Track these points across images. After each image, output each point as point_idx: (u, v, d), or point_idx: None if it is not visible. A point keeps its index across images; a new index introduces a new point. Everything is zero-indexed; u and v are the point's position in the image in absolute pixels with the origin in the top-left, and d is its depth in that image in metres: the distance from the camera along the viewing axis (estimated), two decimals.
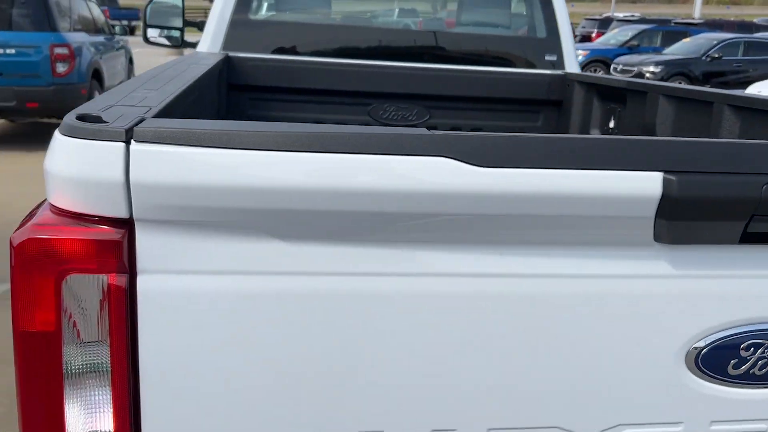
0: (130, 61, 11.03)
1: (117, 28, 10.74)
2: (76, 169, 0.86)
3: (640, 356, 0.99)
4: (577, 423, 1.01)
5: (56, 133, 0.91)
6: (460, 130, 3.82)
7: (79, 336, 0.92)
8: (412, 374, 0.96)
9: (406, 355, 0.95)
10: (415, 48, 3.74)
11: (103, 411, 0.95)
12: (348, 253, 0.93)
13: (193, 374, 0.95)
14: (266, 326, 0.93)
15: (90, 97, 8.28)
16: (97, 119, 0.92)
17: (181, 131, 0.85)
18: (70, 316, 0.91)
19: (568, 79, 3.77)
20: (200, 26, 4.86)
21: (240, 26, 3.56)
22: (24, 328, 0.91)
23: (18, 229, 0.91)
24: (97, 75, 8.70)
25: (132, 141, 0.85)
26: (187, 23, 4.70)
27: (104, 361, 0.93)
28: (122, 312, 0.91)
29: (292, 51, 3.64)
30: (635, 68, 16.00)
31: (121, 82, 10.26)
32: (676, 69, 15.52)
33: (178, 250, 0.91)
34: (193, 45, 4.77)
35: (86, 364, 0.93)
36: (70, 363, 0.92)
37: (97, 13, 9.97)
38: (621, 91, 3.32)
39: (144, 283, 0.91)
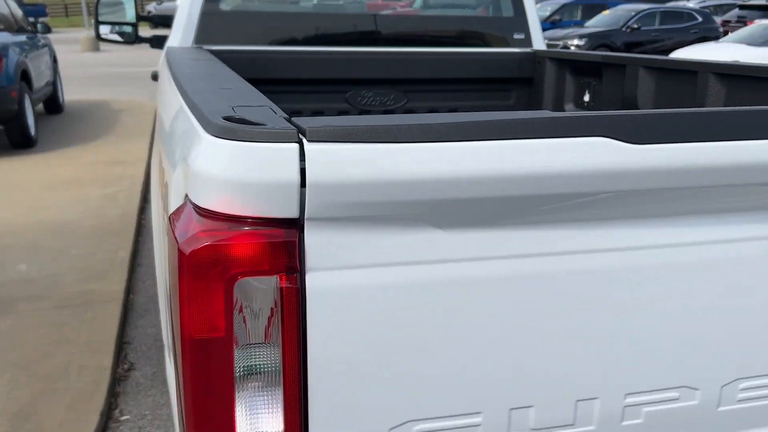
0: (54, 59, 10.56)
1: (39, 26, 10.25)
2: (244, 172, 0.86)
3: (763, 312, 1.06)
4: (702, 380, 1.08)
5: (207, 137, 0.90)
6: (438, 112, 3.87)
7: (250, 339, 0.92)
8: (573, 346, 1.01)
9: (572, 329, 0.99)
10: (388, 33, 3.75)
11: (274, 411, 0.95)
12: (504, 236, 0.96)
13: (357, 366, 0.96)
14: (427, 312, 0.96)
15: (20, 100, 7.90)
16: (243, 121, 0.91)
17: (351, 128, 0.85)
18: (242, 320, 0.91)
19: (537, 56, 3.86)
20: (154, 20, 4.71)
21: (211, 19, 3.49)
22: (194, 335, 0.90)
23: (172, 236, 0.90)
24: (25, 76, 8.30)
25: (305, 141, 0.85)
26: (140, 18, 4.56)
27: (275, 362, 0.93)
28: (294, 311, 0.91)
29: (265, 41, 3.60)
30: (560, 42, 16.42)
31: (47, 83, 9.80)
32: (599, 41, 16.02)
33: (344, 245, 0.92)
34: (147, 40, 4.63)
35: (257, 366, 0.93)
36: (241, 366, 0.92)
37: (15, 8, 9.50)
38: (596, 66, 3.42)
39: (312, 281, 0.91)
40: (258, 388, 0.94)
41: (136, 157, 7.79)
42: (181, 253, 0.88)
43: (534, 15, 3.95)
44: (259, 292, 0.90)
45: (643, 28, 16.35)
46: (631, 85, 3.11)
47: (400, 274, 0.94)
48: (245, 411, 0.94)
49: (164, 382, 3.38)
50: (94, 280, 4.41)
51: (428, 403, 1.01)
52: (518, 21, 3.91)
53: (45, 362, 3.43)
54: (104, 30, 4.52)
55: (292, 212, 0.88)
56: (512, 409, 1.03)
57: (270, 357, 0.93)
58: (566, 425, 1.06)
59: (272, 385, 0.94)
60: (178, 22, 3.51)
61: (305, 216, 0.89)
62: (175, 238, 0.90)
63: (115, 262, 4.74)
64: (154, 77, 3.84)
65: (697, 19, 16.79)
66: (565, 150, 0.89)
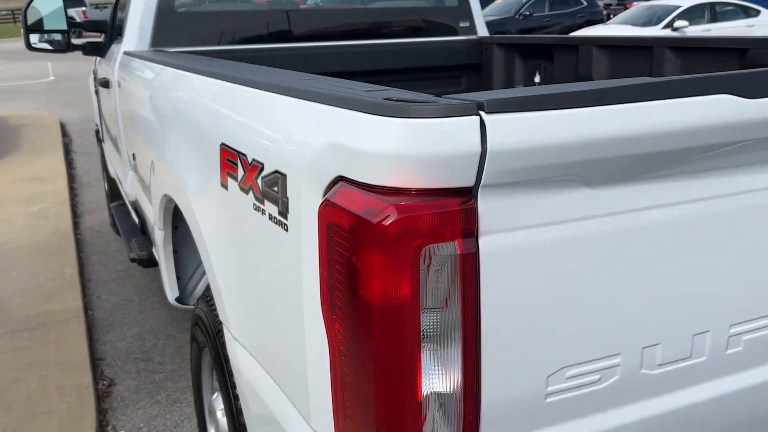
0: None
1: None
2: (426, 147, 0.92)
3: None
4: None
5: (379, 118, 0.95)
6: None
7: (432, 303, 0.98)
8: (695, 285, 1.13)
9: (695, 269, 1.12)
10: (343, 26, 3.81)
11: (453, 371, 1.02)
12: (643, 189, 1.07)
13: (520, 321, 1.05)
14: (578, 265, 1.05)
15: None
16: (404, 100, 0.97)
17: (525, 98, 0.93)
18: (426, 286, 0.97)
19: (484, 43, 4.02)
20: (84, 27, 4.54)
21: (166, 21, 3.42)
22: (383, 303, 0.95)
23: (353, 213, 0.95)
24: None
25: (483, 113, 0.92)
26: (72, 24, 4.38)
27: (455, 323, 1.00)
28: (471, 274, 0.98)
29: (222, 41, 3.57)
30: None
31: None
32: (495, 29, 16.55)
33: (510, 209, 0.99)
34: (80, 47, 4.46)
35: (439, 329, 0.99)
36: (425, 330, 0.98)
37: None
38: (545, 48, 3.61)
39: (484, 245, 0.99)
40: (439, 349, 1.01)
41: (52, 173, 7.44)
42: (371, 227, 0.93)
43: (477, 3, 4.11)
44: (440, 258, 0.97)
45: (534, 14, 17.04)
46: (585, 64, 3.31)
47: (556, 232, 1.03)
48: (428, 372, 1.00)
49: (151, 394, 3.32)
50: (46, 301, 4.23)
51: (578, 349, 1.10)
52: (462, 10, 4.06)
53: (18, 388, 3.28)
54: (34, 39, 4.32)
55: (469, 181, 0.95)
56: (644, 347, 1.14)
57: (450, 319, 0.99)
58: (684, 358, 1.19)
59: (452, 346, 1.01)
60: (132, 27, 3.43)
61: (480, 184, 0.96)
62: (353, 215, 0.95)
63: (65, 280, 4.55)
64: (104, 84, 3.72)
65: (582, 3, 17.67)
66: (696, 107, 1.01)
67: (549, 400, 1.12)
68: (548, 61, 3.62)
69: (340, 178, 1.04)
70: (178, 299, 2.71)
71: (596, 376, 1.14)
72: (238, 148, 1.44)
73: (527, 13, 16.96)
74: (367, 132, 0.97)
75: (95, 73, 4.80)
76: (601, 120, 0.96)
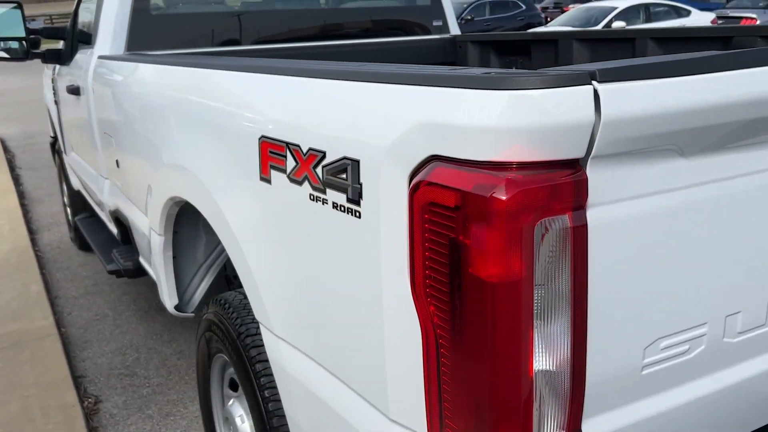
0: None
1: None
2: (537, 119, 0.91)
3: None
4: None
5: (478, 93, 0.94)
6: None
7: (543, 279, 0.97)
8: None
9: None
10: (320, 27, 3.78)
11: (562, 348, 1.01)
12: (732, 158, 1.09)
13: (622, 292, 1.05)
14: (674, 235, 1.06)
15: None
16: (505, 74, 0.96)
17: (637, 67, 0.94)
18: (538, 262, 0.96)
19: (458, 41, 4.06)
20: (44, 34, 4.38)
21: (142, 23, 3.33)
22: (495, 280, 0.94)
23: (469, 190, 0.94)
24: None
25: (596, 83, 0.92)
26: (31, 32, 4.22)
27: (566, 299, 0.99)
28: (582, 248, 0.98)
29: (198, 44, 3.50)
30: None
31: None
32: None
33: (614, 180, 1.00)
34: (40, 55, 4.30)
35: (550, 305, 0.99)
36: (537, 306, 0.97)
37: None
38: (522, 44, 3.67)
39: (593, 217, 0.98)
40: (549, 325, 1.00)
41: (1, 190, 7.14)
42: (484, 203, 0.91)
43: (448, 2, 4.14)
44: (552, 232, 0.96)
45: (476, 19, 17.32)
46: (566, 58, 3.37)
47: (654, 203, 1.04)
48: (539, 349, 0.99)
49: (141, 409, 3.21)
50: (14, 319, 4.04)
51: (671, 319, 1.11)
52: (435, 9, 4.09)
53: (0, 411, 3.12)
54: None
55: (580, 152, 0.95)
56: (728, 316, 1.16)
57: (561, 293, 0.99)
58: (760, 325, 1.22)
59: (561, 321, 1.00)
60: (105, 30, 3.32)
61: (591, 155, 0.96)
62: (460, 193, 0.94)
63: (31, 298, 4.36)
64: (74, 91, 3.58)
65: (521, 7, 18.05)
66: None
67: (645, 372, 1.13)
68: (525, 56, 3.67)
69: (433, 158, 1.02)
70: (176, 307, 2.63)
71: (685, 347, 1.16)
72: (286, 139, 1.40)
73: (469, 17, 17.22)
74: (469, 108, 0.95)
75: (54, 83, 4.63)
76: (707, 87, 0.97)
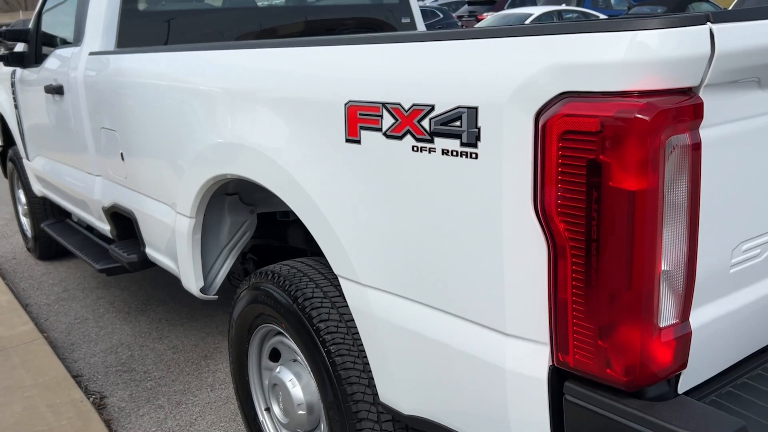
0: None
1: None
2: (669, 53, 1.11)
3: None
4: None
5: (615, 34, 1.13)
6: None
7: (668, 188, 1.18)
8: None
9: None
10: (301, 23, 3.92)
11: (680, 249, 1.22)
12: None
13: (718, 201, 1.27)
14: (758, 152, 1.30)
15: None
16: (634, 17, 1.17)
17: (739, 11, 1.16)
18: (666, 174, 1.16)
19: None
20: (6, 36, 4.31)
21: (131, 20, 3.39)
22: (636, 188, 1.14)
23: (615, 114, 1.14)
24: None
25: (710, 23, 1.14)
26: None
27: (684, 206, 1.20)
28: (698, 162, 1.19)
29: (187, 40, 3.57)
30: None
31: None
32: None
33: (718, 106, 1.21)
34: (2, 59, 4.24)
35: (673, 212, 1.19)
36: (665, 212, 1.18)
37: None
38: None
39: (704, 136, 1.20)
40: (671, 229, 1.20)
41: None
42: (629, 124, 1.11)
43: (415, 0, 4.37)
44: (679, 148, 1.16)
45: None
46: None
47: (742, 126, 1.27)
48: (665, 248, 1.19)
49: (149, 400, 3.23)
50: None
51: (750, 226, 1.34)
52: (403, 6, 4.30)
53: (2, 413, 3.08)
54: None
55: (696, 81, 1.16)
56: None
57: (680, 201, 1.19)
58: None
59: (680, 225, 1.20)
60: (94, 27, 3.35)
61: (704, 84, 1.17)
62: (603, 118, 1.13)
63: (3, 307, 4.26)
64: (56, 90, 3.57)
65: (438, 15, 18.60)
66: None
67: (731, 270, 1.35)
68: None
69: (563, 95, 1.22)
70: (201, 290, 2.71)
71: (757, 251, 1.39)
72: (383, 99, 1.56)
73: None
74: (604, 48, 1.15)
75: (15, 87, 4.54)
76: None
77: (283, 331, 2.24)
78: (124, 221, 3.36)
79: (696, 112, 1.16)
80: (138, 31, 3.40)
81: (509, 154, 1.32)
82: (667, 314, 1.25)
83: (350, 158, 1.70)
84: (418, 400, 1.70)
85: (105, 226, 3.57)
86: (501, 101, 1.31)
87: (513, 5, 16.15)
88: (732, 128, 1.27)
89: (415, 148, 1.51)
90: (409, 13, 4.30)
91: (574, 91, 1.20)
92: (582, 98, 1.19)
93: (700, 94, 1.18)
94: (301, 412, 2.24)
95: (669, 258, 1.22)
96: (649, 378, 1.25)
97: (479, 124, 1.36)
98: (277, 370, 2.34)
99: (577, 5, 17.93)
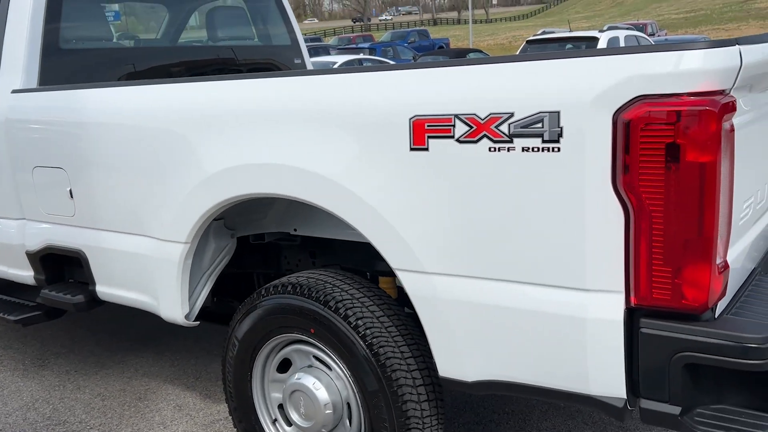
0: None
1: None
2: (714, 64, 1.59)
3: None
4: None
5: (695, 53, 1.59)
6: None
7: (723, 162, 1.64)
8: None
9: None
10: (206, 61, 4.05)
11: (726, 204, 1.68)
12: None
13: (737, 172, 1.76)
14: (758, 136, 1.84)
15: None
16: (690, 42, 1.64)
17: (748, 37, 1.67)
18: (722, 151, 1.63)
19: None
20: None
21: (53, 57, 3.33)
22: (708, 159, 1.59)
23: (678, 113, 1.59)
24: None
25: (738, 44, 1.63)
26: None
27: (728, 174, 1.67)
28: (734, 140, 1.67)
29: (109, 78, 3.56)
30: None
31: None
32: None
33: (738, 101, 1.70)
34: None
35: (724, 179, 1.65)
36: (722, 180, 1.64)
37: None
38: None
39: (735, 122, 1.69)
40: (724, 190, 1.66)
41: None
42: (702, 114, 1.56)
43: (303, 42, 4.68)
44: (727, 129, 1.63)
45: None
46: None
47: (746, 117, 1.79)
48: (721, 205, 1.65)
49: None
50: None
51: (747, 191, 1.86)
52: (294, 48, 4.59)
53: None
54: None
55: (729, 84, 1.64)
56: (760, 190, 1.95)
57: (726, 171, 1.65)
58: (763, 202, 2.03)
59: (726, 188, 1.65)
60: (12, 64, 3.23)
61: (734, 87, 1.66)
62: (679, 110, 1.58)
63: None
64: None
65: None
66: None
67: (740, 223, 1.87)
68: None
69: (639, 98, 1.65)
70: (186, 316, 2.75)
71: (749, 210, 1.93)
72: (456, 112, 1.89)
73: None
74: (672, 62, 1.61)
75: None
76: None
77: (307, 338, 2.41)
78: (55, 264, 3.23)
79: (733, 106, 1.66)
80: (59, 69, 3.33)
81: (591, 145, 1.72)
82: (720, 254, 1.71)
83: (416, 163, 1.99)
84: (487, 367, 2.01)
85: (24, 273, 3.37)
86: (584, 105, 1.71)
87: (313, 56, 17.07)
88: (740, 119, 1.79)
89: (492, 149, 1.86)
90: (300, 54, 4.60)
91: (650, 94, 1.64)
92: (657, 98, 1.63)
93: (732, 93, 1.68)
94: (328, 411, 2.41)
95: (722, 212, 1.69)
96: (711, 303, 1.70)
97: (561, 124, 1.75)
98: (296, 377, 2.48)
99: (369, 54, 19.31)
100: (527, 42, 16.10)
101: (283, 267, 3.10)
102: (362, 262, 2.91)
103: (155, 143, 2.61)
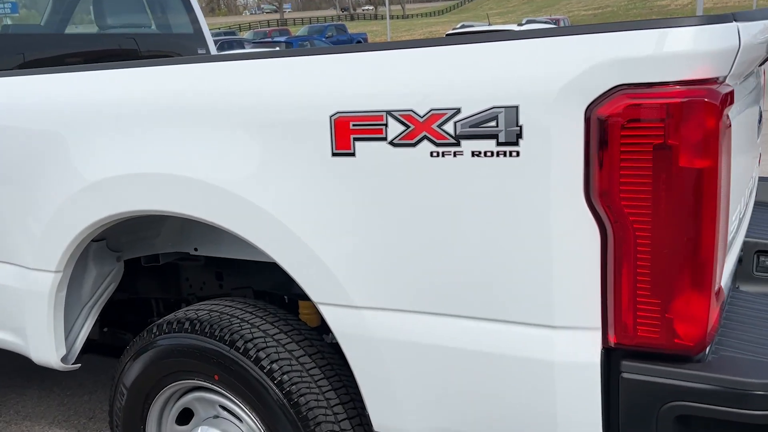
0: None
1: None
2: (711, 45, 1.26)
3: None
4: None
5: (680, 30, 1.24)
6: None
7: (721, 162, 1.31)
8: None
9: None
10: (110, 51, 3.57)
11: (724, 212, 1.36)
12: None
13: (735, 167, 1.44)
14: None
15: None
16: (677, 18, 1.31)
17: (747, 13, 1.35)
18: (720, 149, 1.30)
19: None
20: None
21: None
22: (705, 165, 1.26)
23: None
24: None
25: (735, 21, 1.31)
26: None
27: (726, 176, 1.35)
28: (731, 139, 1.36)
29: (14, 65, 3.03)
30: None
31: None
32: None
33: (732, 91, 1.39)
34: None
35: (722, 181, 1.32)
36: (722, 186, 1.32)
37: None
38: None
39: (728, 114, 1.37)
40: (723, 198, 1.33)
41: None
42: (698, 108, 1.22)
43: (208, 31, 4.21)
44: (725, 124, 1.30)
45: None
46: None
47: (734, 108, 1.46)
48: (720, 214, 1.32)
49: None
50: None
51: (733, 194, 1.55)
52: (198, 37, 4.11)
53: None
54: None
55: (725, 72, 1.32)
56: None
57: (723, 171, 1.31)
58: None
59: (725, 191, 1.33)
60: None
61: (729, 74, 1.33)
62: (669, 105, 1.24)
63: None
64: None
65: None
66: None
67: (729, 237, 1.57)
68: None
69: (617, 88, 1.30)
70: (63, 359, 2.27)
71: (736, 222, 1.63)
72: (391, 107, 1.50)
73: None
74: (659, 43, 1.26)
75: None
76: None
77: (210, 385, 1.98)
78: None
79: (732, 98, 1.34)
80: None
81: (557, 148, 1.37)
82: (716, 279, 1.39)
83: (341, 171, 1.59)
84: (434, 419, 1.64)
85: None
86: (548, 98, 1.36)
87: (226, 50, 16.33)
88: (736, 105, 1.49)
89: (434, 154, 1.48)
90: (204, 43, 4.13)
91: (631, 83, 1.30)
92: (640, 89, 1.29)
93: (726, 82, 1.36)
94: None
95: (721, 227, 1.37)
96: (709, 339, 1.38)
97: (521, 122, 1.39)
98: (200, 431, 2.05)
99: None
100: (447, 36, 15.95)
101: (184, 291, 2.65)
102: (278, 284, 2.50)
103: (14, 146, 2.12)
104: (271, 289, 2.51)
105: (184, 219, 2.27)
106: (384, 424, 1.71)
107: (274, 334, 1.93)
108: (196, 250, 2.36)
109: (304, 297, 2.43)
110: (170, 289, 2.67)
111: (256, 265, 2.35)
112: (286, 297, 2.50)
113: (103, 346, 2.68)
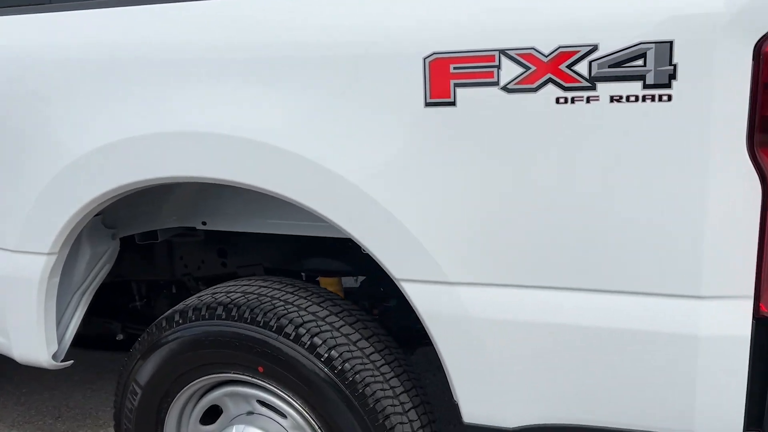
0: None
1: None
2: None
3: None
4: None
5: None
6: None
7: None
8: None
9: None
10: None
11: None
12: None
13: None
14: None
15: None
16: None
17: None
18: None
19: None
20: None
21: None
22: None
23: None
24: None
25: None
26: None
27: None
28: None
29: None
30: None
31: None
32: None
33: None
34: None
35: None
36: None
37: None
38: None
39: None
40: None
41: None
42: None
43: None
44: None
45: None
46: None
47: None
48: None
49: None
50: None
51: None
52: None
53: None
54: None
55: None
56: None
57: None
58: None
59: None
60: None
61: None
62: None
63: None
64: None
65: None
66: None
67: None
68: None
69: None
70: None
71: None
72: (503, 45, 1.27)
73: None
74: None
75: None
76: None
77: (248, 378, 1.71)
78: None
79: None
80: None
81: (719, 91, 1.18)
82: None
83: (436, 125, 1.35)
84: (545, 408, 1.44)
85: None
86: (710, 32, 1.16)
87: None
88: None
89: (562, 100, 1.26)
90: None
91: None
92: None
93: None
94: None
95: None
96: None
97: (674, 61, 1.18)
98: (234, 431, 1.78)
99: None
100: None
101: (178, 271, 2.33)
102: (290, 259, 2.24)
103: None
104: (283, 265, 2.24)
105: (198, 188, 1.97)
106: (479, 414, 1.49)
107: (325, 317, 1.68)
108: (204, 224, 2.05)
109: (325, 272, 2.20)
110: (159, 269, 2.35)
111: (264, 238, 2.07)
112: (303, 274, 2.24)
113: (87, 338, 2.33)
